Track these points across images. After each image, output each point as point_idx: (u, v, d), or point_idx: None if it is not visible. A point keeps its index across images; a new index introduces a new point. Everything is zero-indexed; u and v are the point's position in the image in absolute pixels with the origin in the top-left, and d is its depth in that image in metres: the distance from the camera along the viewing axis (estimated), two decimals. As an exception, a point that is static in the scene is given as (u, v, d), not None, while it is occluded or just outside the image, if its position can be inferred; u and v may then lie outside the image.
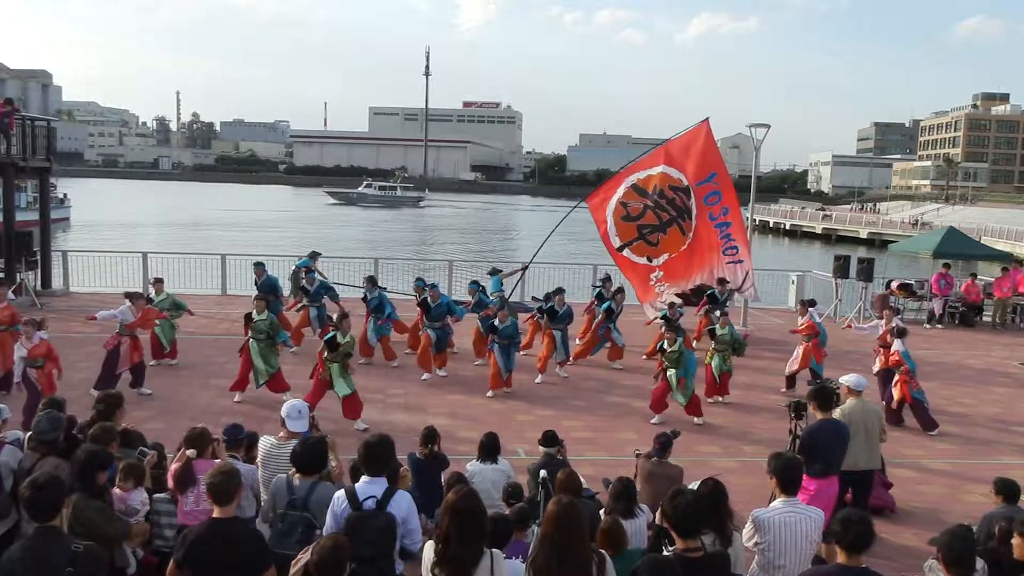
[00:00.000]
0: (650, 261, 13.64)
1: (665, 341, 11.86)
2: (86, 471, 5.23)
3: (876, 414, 8.16)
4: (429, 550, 4.55)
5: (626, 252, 13.74)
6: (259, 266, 16.40)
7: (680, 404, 11.79)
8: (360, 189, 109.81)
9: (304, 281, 15.71)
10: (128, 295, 12.60)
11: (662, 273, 13.65)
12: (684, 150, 13.67)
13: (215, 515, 4.64)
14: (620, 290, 15.70)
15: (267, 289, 15.31)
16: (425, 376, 13.38)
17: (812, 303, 14.29)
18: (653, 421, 11.68)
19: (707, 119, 13.69)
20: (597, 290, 16.38)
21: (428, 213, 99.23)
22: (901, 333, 12.36)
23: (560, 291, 14.61)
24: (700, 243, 13.32)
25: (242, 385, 11.97)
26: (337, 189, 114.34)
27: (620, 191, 13.84)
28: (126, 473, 5.79)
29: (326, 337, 11.03)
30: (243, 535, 4.61)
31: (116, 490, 5.72)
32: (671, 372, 11.71)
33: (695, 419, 11.77)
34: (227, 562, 4.47)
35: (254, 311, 12.03)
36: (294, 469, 5.47)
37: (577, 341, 15.57)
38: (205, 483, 4.81)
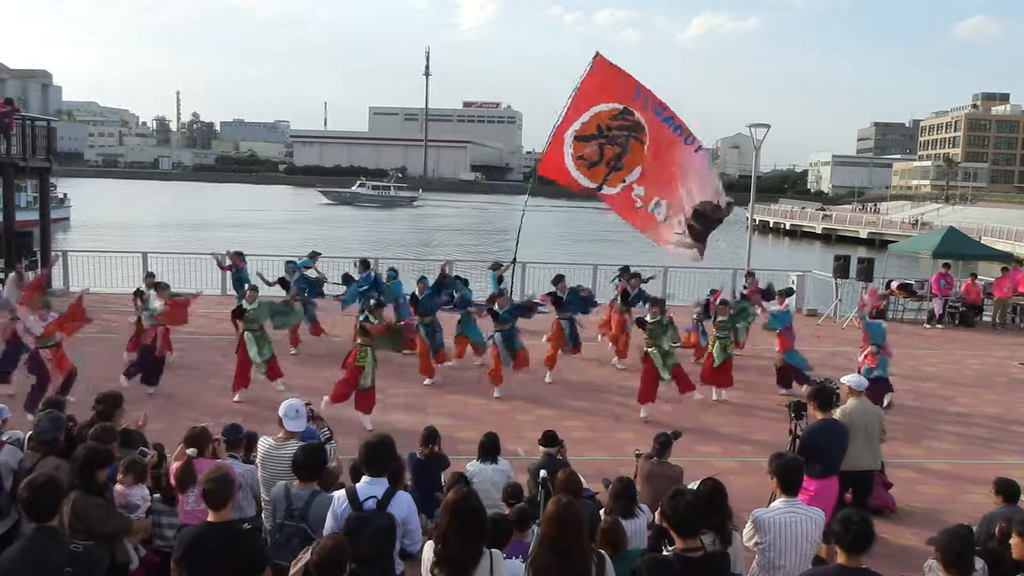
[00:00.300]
0: (625, 182, 13.46)
1: (649, 315, 11.86)
2: (86, 468, 5.23)
3: (876, 414, 8.17)
4: (429, 550, 4.54)
5: (605, 189, 13.59)
6: (238, 255, 16.54)
7: (665, 380, 11.72)
8: (354, 189, 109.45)
9: (285, 273, 15.65)
10: (155, 286, 12.88)
11: (644, 190, 13.23)
12: (600, 87, 13.57)
13: (210, 519, 4.64)
14: (636, 275, 16.03)
15: (239, 282, 15.41)
16: (427, 381, 13.36)
17: (789, 292, 14.43)
18: (642, 415, 11.72)
19: (597, 53, 13.75)
20: (615, 277, 16.95)
21: (425, 213, 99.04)
22: (880, 314, 12.87)
23: (560, 278, 14.81)
24: (655, 140, 13.02)
25: (244, 381, 12.02)
26: (331, 189, 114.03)
27: (568, 150, 13.64)
28: (127, 468, 5.81)
29: (360, 318, 11.40)
30: (238, 537, 4.61)
31: (117, 486, 5.74)
32: (653, 351, 11.71)
33: (695, 395, 11.76)
34: (223, 564, 4.47)
35: (245, 301, 12.23)
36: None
37: (599, 337, 16.12)
38: (200, 488, 4.81)
